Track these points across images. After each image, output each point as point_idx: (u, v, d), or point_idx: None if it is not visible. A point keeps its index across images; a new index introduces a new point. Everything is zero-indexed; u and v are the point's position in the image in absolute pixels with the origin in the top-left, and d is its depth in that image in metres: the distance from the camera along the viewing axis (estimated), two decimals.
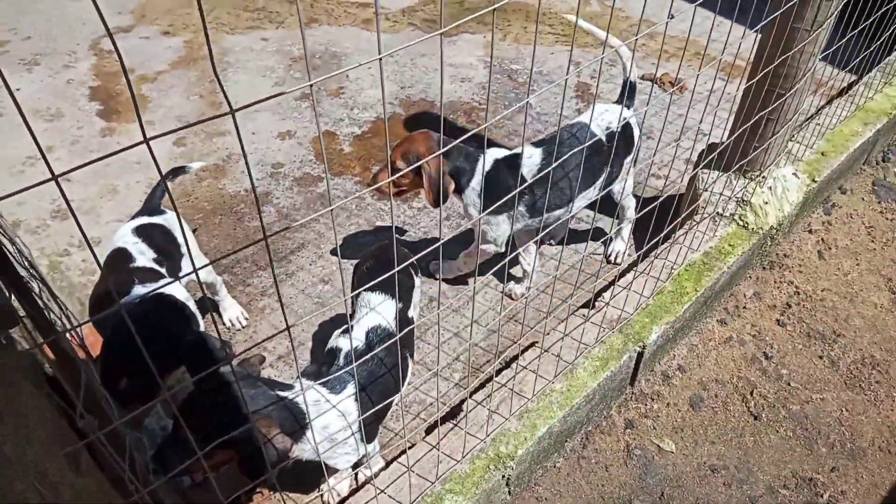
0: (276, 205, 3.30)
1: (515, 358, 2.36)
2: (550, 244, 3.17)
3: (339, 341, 2.01)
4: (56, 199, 3.32)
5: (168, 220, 2.44)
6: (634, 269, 2.59)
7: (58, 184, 0.71)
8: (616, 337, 2.40)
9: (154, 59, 4.27)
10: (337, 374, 1.86)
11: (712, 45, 4.29)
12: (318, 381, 1.85)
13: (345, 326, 2.12)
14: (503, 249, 2.65)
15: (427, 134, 2.47)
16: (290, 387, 1.78)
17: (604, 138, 2.49)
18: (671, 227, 2.41)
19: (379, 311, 2.03)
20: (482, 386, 2.35)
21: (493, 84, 4.08)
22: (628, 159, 2.67)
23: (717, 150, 2.62)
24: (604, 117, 2.57)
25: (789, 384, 2.60)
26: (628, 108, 2.65)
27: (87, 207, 3.29)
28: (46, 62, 4.24)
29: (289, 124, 3.77)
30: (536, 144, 2.52)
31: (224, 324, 2.77)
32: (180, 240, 2.41)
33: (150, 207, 2.48)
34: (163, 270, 2.24)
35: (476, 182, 2.45)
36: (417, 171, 2.42)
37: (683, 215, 2.92)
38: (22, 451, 0.94)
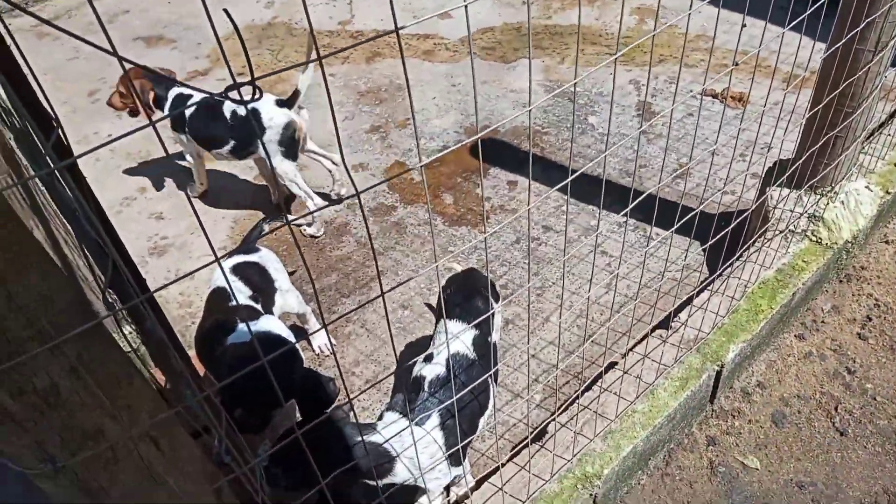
0: (355, 235, 3.46)
1: (596, 379, 2.43)
2: None
3: (423, 370, 2.11)
4: (152, 236, 3.56)
5: (262, 257, 2.61)
6: (709, 288, 2.63)
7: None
8: (694, 357, 2.45)
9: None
10: (421, 404, 1.97)
11: (773, 58, 4.28)
12: (402, 415, 1.96)
13: (426, 354, 2.23)
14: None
15: (137, 69, 3.18)
16: (373, 428, 1.91)
17: None
18: (745, 247, 2.45)
19: (460, 337, 2.13)
20: (564, 406, 2.43)
21: (555, 107, 4.17)
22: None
23: (787, 172, 2.65)
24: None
25: (875, 399, 2.59)
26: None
27: (180, 243, 3.51)
28: None
29: (361, 157, 3.95)
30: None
31: (313, 350, 2.93)
32: (273, 276, 2.58)
33: (246, 247, 2.66)
34: (258, 306, 2.40)
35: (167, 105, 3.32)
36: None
37: (754, 233, 2.94)
38: (181, 486, 1.08)
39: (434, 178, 3.77)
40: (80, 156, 0.77)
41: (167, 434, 1.02)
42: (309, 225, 3.48)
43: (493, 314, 2.30)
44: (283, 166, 3.26)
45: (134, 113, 3.55)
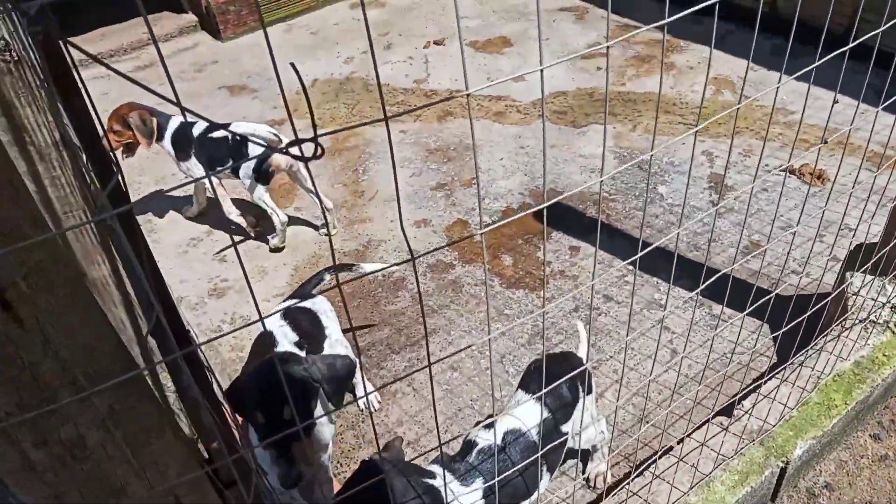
0: (411, 290, 3.45)
1: (648, 463, 2.30)
2: None
3: (478, 435, 2.04)
4: (213, 278, 3.65)
5: (316, 303, 2.61)
6: (778, 376, 2.48)
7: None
8: (757, 450, 2.29)
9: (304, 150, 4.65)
10: (465, 472, 1.90)
11: (856, 135, 4.13)
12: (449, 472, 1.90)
13: (488, 421, 2.16)
14: None
15: (130, 104, 3.56)
16: (432, 473, 1.85)
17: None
18: (820, 335, 2.31)
19: (520, 415, 2.05)
20: (613, 490, 2.30)
21: (624, 175, 4.11)
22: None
23: (872, 258, 2.50)
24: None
25: None
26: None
27: (239, 287, 3.58)
28: None
29: (424, 213, 3.97)
30: None
31: (358, 407, 2.90)
32: (325, 323, 2.57)
33: (301, 292, 2.67)
34: (302, 354, 2.38)
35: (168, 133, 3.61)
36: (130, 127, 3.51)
37: (831, 321, 2.78)
38: None
39: (495, 238, 3.74)
40: (126, 208, 0.78)
41: (193, 492, 1.00)
42: (273, 238, 3.82)
43: (573, 405, 2.17)
44: (255, 190, 3.64)
45: (130, 149, 3.64)
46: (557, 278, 3.46)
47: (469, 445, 2.02)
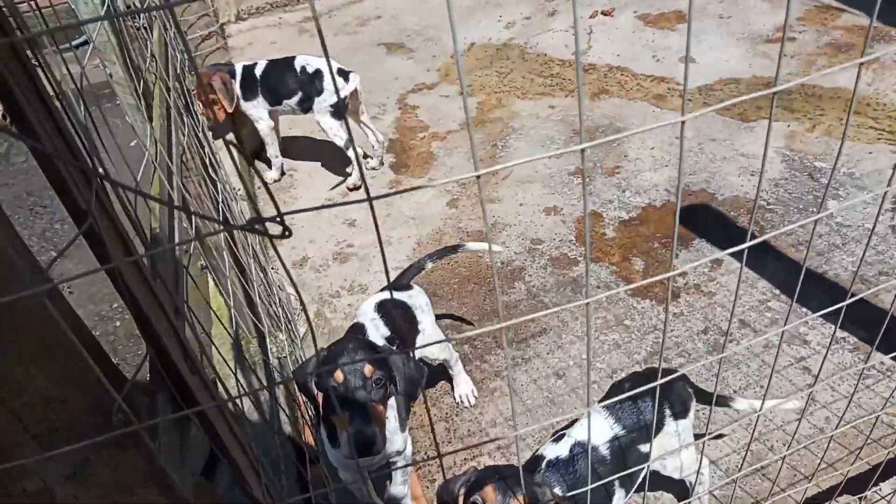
0: (528, 283, 3.31)
1: None
2: None
3: (546, 448, 1.96)
4: (340, 242, 3.71)
5: (412, 296, 2.55)
6: None
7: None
8: None
9: (447, 118, 4.58)
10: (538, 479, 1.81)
11: None
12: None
13: (559, 433, 2.05)
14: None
15: (213, 67, 3.86)
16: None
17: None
18: None
19: (594, 429, 1.93)
20: None
21: (790, 183, 3.64)
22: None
23: None
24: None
25: None
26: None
27: (363, 254, 3.61)
28: None
29: (556, 199, 3.77)
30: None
31: (454, 398, 2.83)
32: (418, 317, 2.50)
33: (399, 283, 2.61)
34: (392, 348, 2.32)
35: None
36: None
37: None
38: None
39: (629, 237, 3.47)
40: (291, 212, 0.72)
41: None
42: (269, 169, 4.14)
43: (658, 429, 2.02)
44: (328, 122, 3.85)
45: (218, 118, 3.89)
46: (691, 293, 3.15)
47: (537, 459, 1.93)
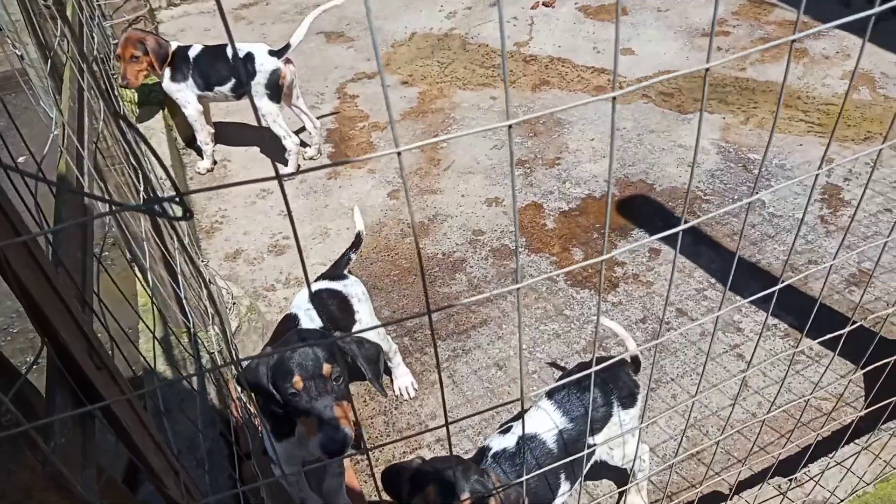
0: (469, 274, 3.27)
1: None
2: None
3: (492, 440, 1.94)
4: (275, 234, 3.60)
5: (347, 285, 2.47)
6: (858, 441, 2.14)
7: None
8: None
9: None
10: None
11: None
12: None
13: (504, 426, 2.03)
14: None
15: (132, 31, 3.63)
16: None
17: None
18: None
19: (537, 421, 1.92)
20: None
21: (725, 174, 3.70)
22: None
23: None
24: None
25: None
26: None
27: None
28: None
29: (498, 190, 3.74)
30: None
31: (393, 391, 2.78)
32: (355, 307, 2.43)
33: (334, 273, 2.54)
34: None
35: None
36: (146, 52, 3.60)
37: None
38: None
39: (568, 228, 3.48)
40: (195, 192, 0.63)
41: None
42: (290, 179, 3.98)
43: (605, 418, 2.01)
44: (266, 107, 3.71)
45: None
46: (630, 282, 3.17)
47: (482, 452, 1.91)
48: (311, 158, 4.08)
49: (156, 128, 3.97)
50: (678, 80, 4.43)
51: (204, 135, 3.93)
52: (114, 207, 0.71)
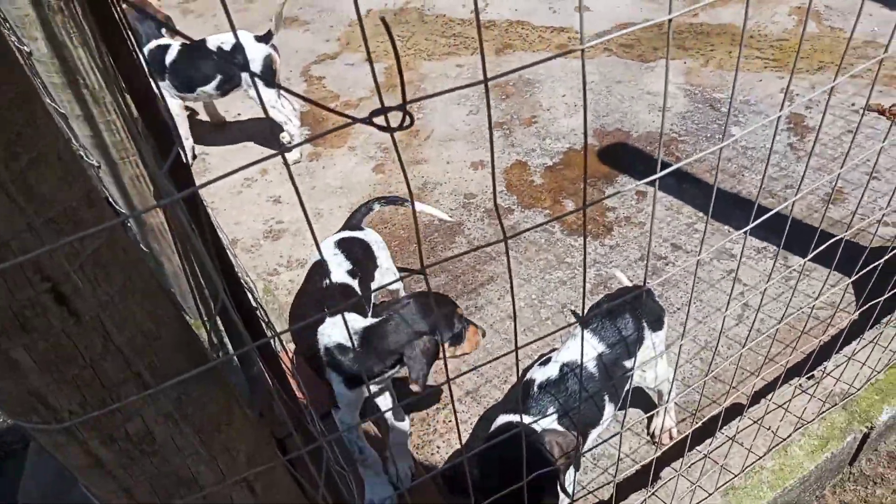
0: (468, 236, 3.36)
1: (716, 421, 2.20)
2: None
3: (535, 372, 2.03)
4: (268, 220, 3.61)
5: (367, 235, 2.55)
6: (862, 336, 2.32)
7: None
8: (839, 414, 2.16)
9: (357, 85, 4.52)
10: (535, 406, 1.89)
11: None
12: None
13: (544, 357, 2.13)
14: None
15: None
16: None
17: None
18: None
19: (575, 348, 2.03)
20: (681, 449, 2.22)
21: (695, 114, 3.87)
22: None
23: None
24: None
25: None
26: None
27: (295, 229, 3.53)
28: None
29: (482, 154, 3.82)
30: None
31: None
32: (377, 253, 2.52)
33: (352, 224, 2.61)
34: (355, 283, 2.33)
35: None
36: None
37: None
38: None
39: (556, 181, 3.59)
40: (203, 185, 0.69)
41: (264, 477, 0.94)
42: (288, 151, 3.79)
43: (637, 342, 2.12)
44: (265, 94, 3.79)
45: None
46: (623, 225, 3.30)
47: (527, 385, 2.01)
48: (289, 143, 4.09)
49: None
50: (636, 32, 4.57)
51: (185, 129, 3.89)
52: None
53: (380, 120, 0.71)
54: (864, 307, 2.24)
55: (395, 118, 0.68)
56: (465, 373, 1.02)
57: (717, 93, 4.00)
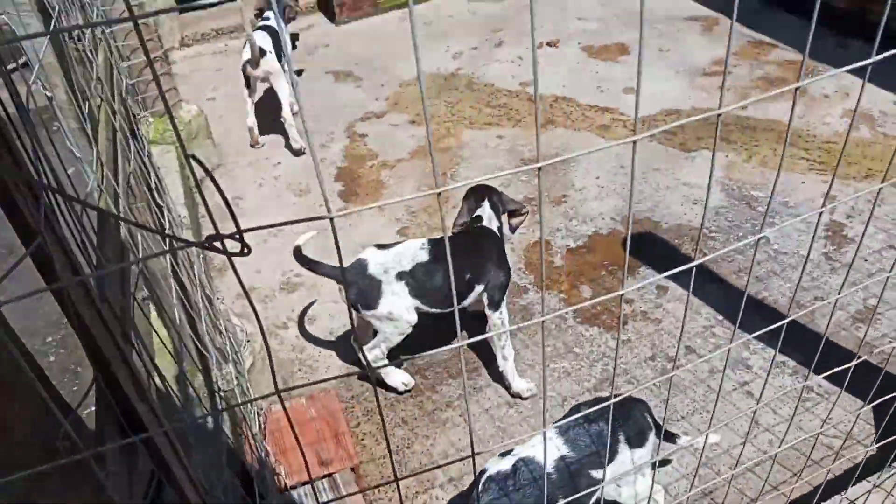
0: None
1: None
2: None
3: (489, 464, 1.98)
4: (287, 272, 3.65)
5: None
6: (870, 479, 2.16)
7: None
8: None
9: (398, 146, 4.58)
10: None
11: None
12: None
13: (503, 450, 2.08)
14: None
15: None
16: None
17: None
18: None
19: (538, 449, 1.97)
20: None
21: (730, 211, 3.76)
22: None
23: None
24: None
25: None
26: None
27: (310, 284, 3.56)
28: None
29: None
30: None
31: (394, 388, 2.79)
32: None
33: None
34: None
35: None
36: None
37: None
38: None
39: (576, 265, 3.52)
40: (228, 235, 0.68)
41: None
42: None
43: (612, 453, 2.03)
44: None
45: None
46: (638, 320, 3.20)
47: (479, 475, 1.95)
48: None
49: (170, 166, 4.05)
50: (681, 119, 4.52)
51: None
52: (175, 244, 0.76)
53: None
54: (884, 441, 2.09)
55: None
56: (452, 461, 0.97)
57: (755, 190, 3.90)
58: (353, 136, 4.73)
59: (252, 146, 4.62)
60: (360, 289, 2.69)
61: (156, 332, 1.68)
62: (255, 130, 4.59)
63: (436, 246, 2.73)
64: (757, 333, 1.37)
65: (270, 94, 4.56)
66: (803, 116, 4.42)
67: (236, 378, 2.57)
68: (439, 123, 4.77)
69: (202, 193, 0.73)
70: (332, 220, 0.72)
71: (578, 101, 4.82)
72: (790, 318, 1.33)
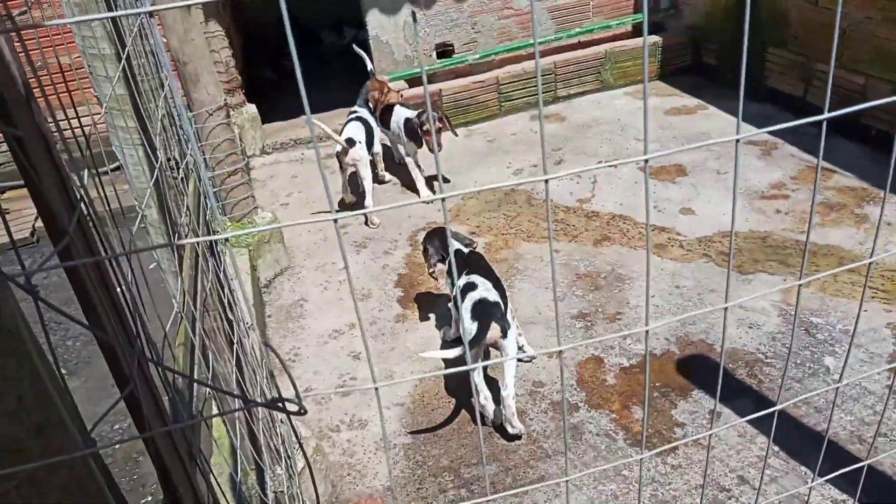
0: (528, 426, 3.32)
1: None
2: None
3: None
4: (343, 374, 3.77)
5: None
6: None
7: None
8: None
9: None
10: None
11: None
12: None
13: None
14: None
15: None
16: None
17: None
18: None
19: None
20: None
21: (787, 337, 3.72)
22: None
23: None
24: None
25: None
26: None
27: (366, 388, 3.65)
28: (372, 246, 4.98)
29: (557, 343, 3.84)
30: None
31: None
32: None
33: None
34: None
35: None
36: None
37: None
38: None
39: (628, 385, 3.52)
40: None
41: None
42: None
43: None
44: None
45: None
46: (689, 446, 3.15)
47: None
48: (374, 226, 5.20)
49: (241, 269, 4.31)
50: (738, 241, 4.56)
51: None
52: (242, 403, 0.88)
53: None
54: None
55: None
56: None
57: (814, 317, 3.85)
58: (414, 244, 4.94)
59: (346, 203, 5.42)
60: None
61: (215, 441, 1.80)
62: (348, 190, 5.36)
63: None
64: (824, 478, 1.39)
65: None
66: (864, 243, 4.40)
67: (287, 482, 2.65)
68: (497, 235, 4.95)
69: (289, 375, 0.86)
70: (335, 221, 0.82)
71: (635, 220, 4.94)
72: (864, 463, 1.34)
